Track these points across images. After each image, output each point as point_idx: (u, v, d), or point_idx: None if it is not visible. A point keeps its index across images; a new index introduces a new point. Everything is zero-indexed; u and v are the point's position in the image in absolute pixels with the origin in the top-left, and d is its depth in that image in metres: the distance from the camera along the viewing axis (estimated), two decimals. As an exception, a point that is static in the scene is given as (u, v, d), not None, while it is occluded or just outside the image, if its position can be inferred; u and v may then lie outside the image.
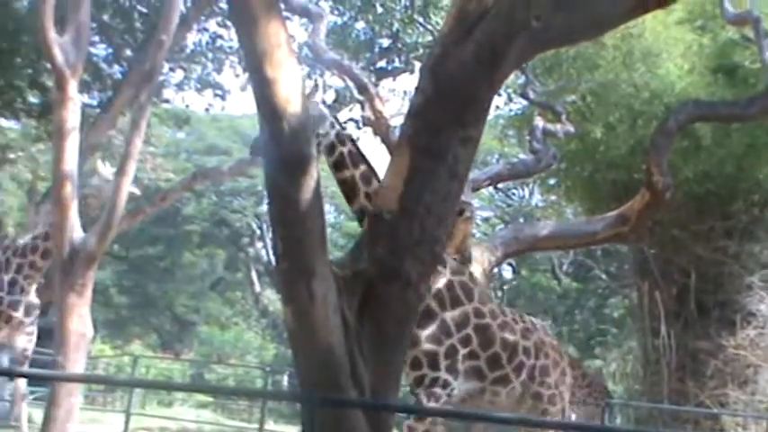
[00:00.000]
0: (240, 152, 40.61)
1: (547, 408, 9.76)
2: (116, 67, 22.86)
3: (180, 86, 24.82)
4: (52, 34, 12.42)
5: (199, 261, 50.55)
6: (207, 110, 26.03)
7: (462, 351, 9.04)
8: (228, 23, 22.68)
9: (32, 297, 14.27)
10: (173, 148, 46.70)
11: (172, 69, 23.60)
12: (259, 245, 50.13)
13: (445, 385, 8.80)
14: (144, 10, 21.88)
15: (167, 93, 24.35)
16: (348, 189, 8.13)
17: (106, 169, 14.19)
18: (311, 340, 6.43)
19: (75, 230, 12.71)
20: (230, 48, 23.91)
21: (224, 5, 21.70)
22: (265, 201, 43.20)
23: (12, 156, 25.16)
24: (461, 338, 9.04)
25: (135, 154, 13.03)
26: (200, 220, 48.85)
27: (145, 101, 13.28)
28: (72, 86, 12.63)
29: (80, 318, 12.62)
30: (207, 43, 23.97)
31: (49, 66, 14.32)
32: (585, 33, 7.36)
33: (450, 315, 9.02)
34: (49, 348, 15.13)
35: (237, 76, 24.71)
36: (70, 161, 12.68)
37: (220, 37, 23.92)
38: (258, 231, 49.38)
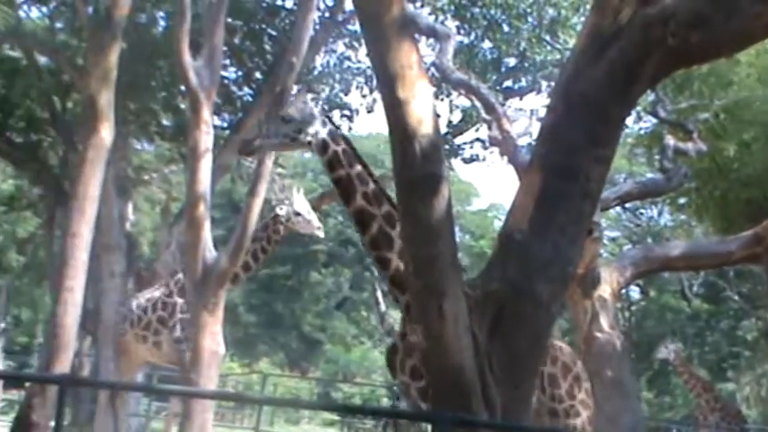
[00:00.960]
0: (366, 172, 40.79)
1: (571, 423, 9.02)
2: (246, 90, 23.21)
3: (308, 107, 25.02)
4: (187, 58, 12.77)
5: (325, 280, 51.03)
6: (334, 131, 26.12)
7: None
8: (356, 44, 22.87)
9: None
10: (300, 168, 47.32)
11: (300, 91, 23.83)
12: (384, 264, 50.23)
13: None
14: (274, 33, 22.21)
15: (295, 114, 24.57)
16: (343, 189, 7.76)
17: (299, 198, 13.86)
18: (441, 360, 6.41)
19: (208, 250, 12.98)
20: (357, 69, 24.06)
21: (351, 27, 21.90)
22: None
23: (146, 177, 25.74)
24: None
25: (266, 175, 13.26)
26: (327, 240, 49.24)
27: (276, 122, 13.46)
28: (206, 109, 12.95)
29: (212, 336, 12.88)
30: (335, 64, 24.18)
31: (183, 89, 14.67)
32: (723, 50, 7.18)
33: None
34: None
35: (364, 96, 24.84)
36: (203, 182, 12.99)
37: (348, 58, 24.09)
38: (383, 251, 49.49)
